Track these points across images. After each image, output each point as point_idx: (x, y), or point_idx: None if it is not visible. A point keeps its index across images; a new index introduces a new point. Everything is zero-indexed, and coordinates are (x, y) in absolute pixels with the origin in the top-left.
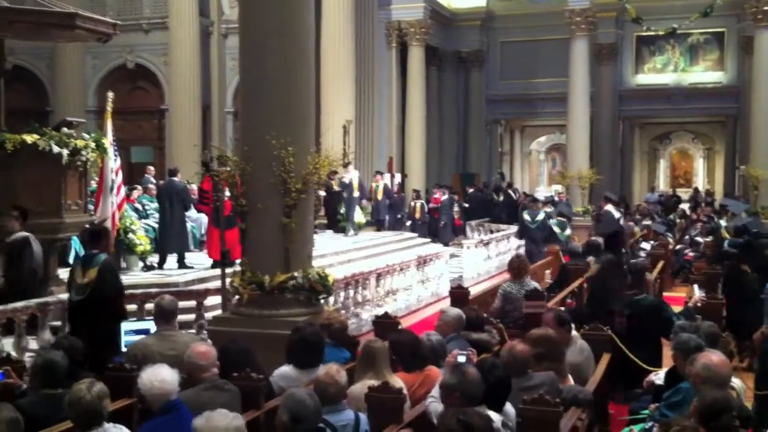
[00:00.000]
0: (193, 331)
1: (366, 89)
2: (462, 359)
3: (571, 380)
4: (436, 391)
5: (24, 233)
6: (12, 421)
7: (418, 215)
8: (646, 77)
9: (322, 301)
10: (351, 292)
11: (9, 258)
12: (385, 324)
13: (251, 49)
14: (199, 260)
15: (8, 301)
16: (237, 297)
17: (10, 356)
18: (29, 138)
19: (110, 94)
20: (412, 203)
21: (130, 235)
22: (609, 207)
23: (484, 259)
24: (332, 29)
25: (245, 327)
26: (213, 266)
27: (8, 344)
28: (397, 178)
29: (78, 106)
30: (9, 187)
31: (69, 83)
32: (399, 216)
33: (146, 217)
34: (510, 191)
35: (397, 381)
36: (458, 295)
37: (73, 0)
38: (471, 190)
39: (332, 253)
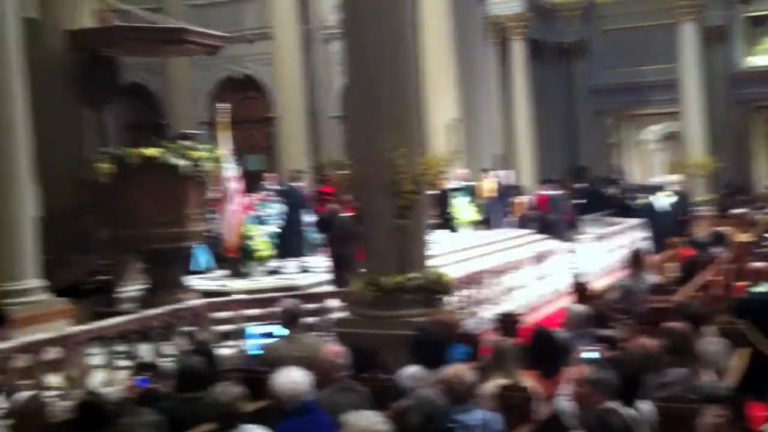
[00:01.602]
0: (319, 333)
1: (468, 86)
2: (593, 356)
3: (707, 375)
4: (566, 389)
5: None
6: (157, 423)
7: (524, 212)
8: (760, 59)
9: (440, 300)
10: (469, 291)
11: None
12: (508, 322)
13: (355, 52)
14: (319, 264)
15: None
16: (358, 299)
17: (150, 363)
18: (149, 151)
19: (224, 105)
20: (519, 199)
21: (251, 241)
22: None
23: (602, 253)
24: (431, 27)
25: (367, 328)
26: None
27: (144, 351)
28: (508, 174)
29: (191, 119)
30: (132, 199)
31: (181, 97)
32: (507, 213)
33: (266, 223)
34: (620, 183)
35: (527, 380)
36: (582, 291)
37: (179, 15)
38: (582, 185)
39: (447, 253)
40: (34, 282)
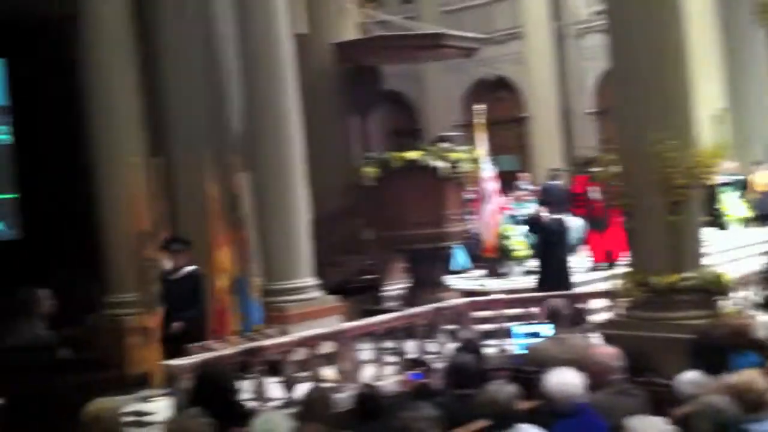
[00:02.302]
0: (585, 334)
1: (734, 74)
2: None
3: None
4: None
5: (193, 267)
6: (435, 418)
7: None
8: None
9: (718, 302)
10: (745, 293)
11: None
12: None
13: (620, 44)
14: (577, 263)
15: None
16: (626, 299)
17: (422, 359)
18: (410, 155)
19: (480, 107)
20: None
21: (509, 241)
22: None
23: None
24: (695, 13)
25: (638, 330)
26: (594, 269)
27: (410, 347)
28: None
29: (445, 122)
30: (394, 201)
31: (435, 101)
32: None
33: (522, 222)
34: None
35: None
36: None
37: (434, 21)
38: None
39: (717, 252)
40: (309, 280)
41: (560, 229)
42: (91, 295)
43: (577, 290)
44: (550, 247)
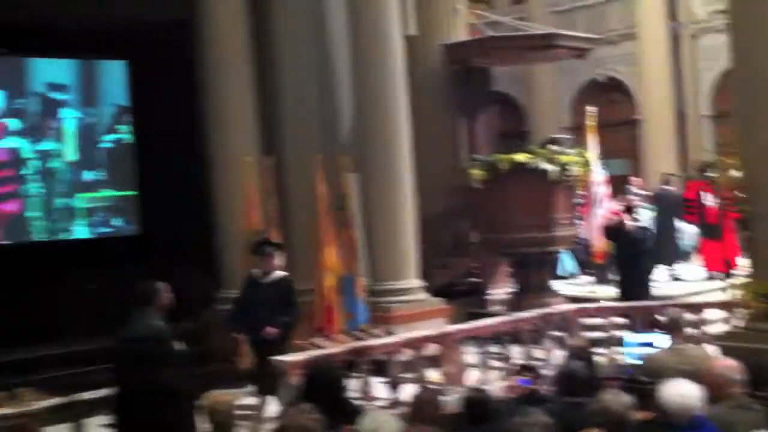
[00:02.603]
0: (699, 345)
1: None
2: None
3: None
4: None
5: (283, 272)
6: (548, 425)
7: None
8: None
9: None
10: None
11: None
12: None
13: (744, 42)
14: (689, 272)
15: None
16: (745, 310)
17: (531, 365)
18: (519, 157)
19: (591, 109)
20: None
21: None
22: None
23: None
24: None
25: (758, 342)
26: (709, 278)
27: (516, 352)
28: None
29: (553, 125)
30: (502, 204)
31: (543, 103)
32: None
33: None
34: None
35: None
36: None
37: (543, 21)
38: None
39: None
40: (414, 282)
41: (645, 238)
42: (205, 291)
43: (692, 300)
44: (633, 257)
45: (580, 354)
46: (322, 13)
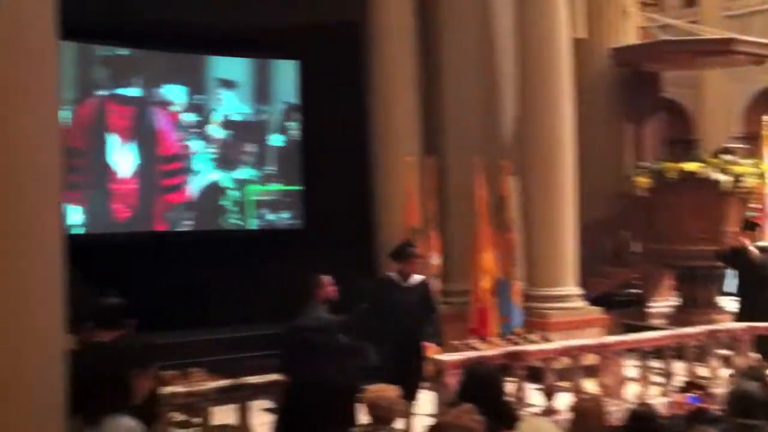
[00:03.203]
0: None
1: None
2: None
3: None
4: None
5: (422, 276)
6: None
7: None
8: None
9: None
10: None
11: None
12: None
13: None
14: None
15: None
16: None
17: (700, 382)
18: (688, 166)
19: (767, 118)
20: None
21: None
22: None
23: None
24: None
25: None
26: None
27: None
28: None
29: (724, 133)
30: (668, 214)
31: (714, 110)
32: None
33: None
34: None
35: None
36: None
37: (717, 25)
38: None
39: None
40: (573, 289)
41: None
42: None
43: None
44: (755, 285)
45: (754, 374)
46: (488, 14)
